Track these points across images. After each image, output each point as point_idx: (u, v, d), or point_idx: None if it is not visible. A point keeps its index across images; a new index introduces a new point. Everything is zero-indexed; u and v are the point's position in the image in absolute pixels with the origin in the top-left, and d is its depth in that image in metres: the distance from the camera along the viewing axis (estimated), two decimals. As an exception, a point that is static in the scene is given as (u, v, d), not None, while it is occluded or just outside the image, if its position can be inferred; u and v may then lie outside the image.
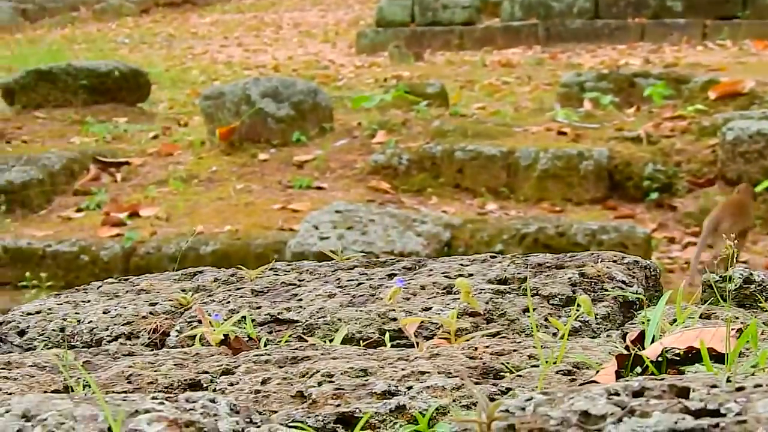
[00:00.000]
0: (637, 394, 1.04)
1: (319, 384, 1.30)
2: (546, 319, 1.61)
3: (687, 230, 5.81)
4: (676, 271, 5.03)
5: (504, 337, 1.57)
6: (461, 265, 1.89)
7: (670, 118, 7.21)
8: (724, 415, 0.95)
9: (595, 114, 7.74)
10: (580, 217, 5.83)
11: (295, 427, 1.17)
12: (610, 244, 4.96)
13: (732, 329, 1.37)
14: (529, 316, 1.62)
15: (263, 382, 1.34)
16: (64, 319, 1.81)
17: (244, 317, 1.69)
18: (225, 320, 1.64)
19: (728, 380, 1.08)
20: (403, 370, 1.35)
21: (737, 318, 1.60)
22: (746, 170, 5.88)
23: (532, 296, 1.70)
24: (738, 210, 5.13)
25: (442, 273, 1.86)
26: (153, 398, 1.13)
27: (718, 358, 1.33)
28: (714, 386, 1.05)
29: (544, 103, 8.85)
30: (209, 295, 1.87)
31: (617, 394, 1.04)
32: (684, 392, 1.03)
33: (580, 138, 6.94)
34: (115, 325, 1.76)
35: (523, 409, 1.05)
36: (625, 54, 12.03)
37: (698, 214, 5.87)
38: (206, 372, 1.40)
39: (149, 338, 1.73)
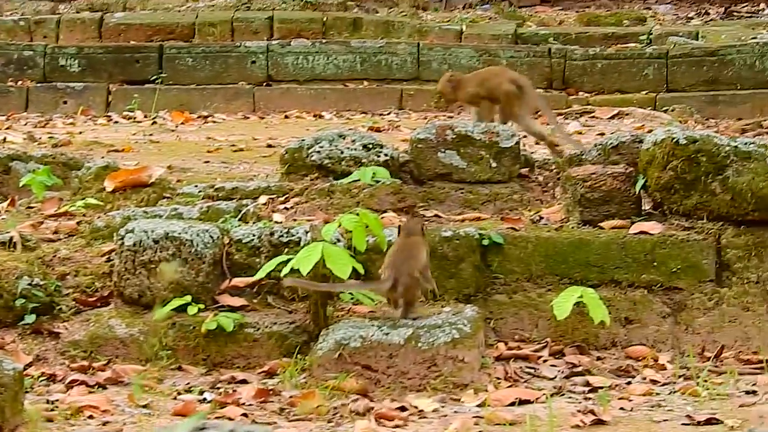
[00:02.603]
0: None
1: None
2: None
3: (73, 364, 5.95)
4: (58, 420, 5.14)
5: None
6: None
7: (55, 215, 7.38)
8: None
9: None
10: (-73, 353, 5.73)
11: None
12: (-35, 388, 4.91)
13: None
14: None
15: None
16: None
17: None
18: None
19: None
20: None
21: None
22: (152, 286, 6.17)
23: None
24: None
25: None
26: None
27: None
28: None
29: None
30: None
31: None
32: None
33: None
34: None
35: None
36: (3, 128, 12.14)
37: (87, 342, 6.06)
38: None
39: None
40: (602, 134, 10.73)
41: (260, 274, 6.03)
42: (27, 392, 5.38)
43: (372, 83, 14.68)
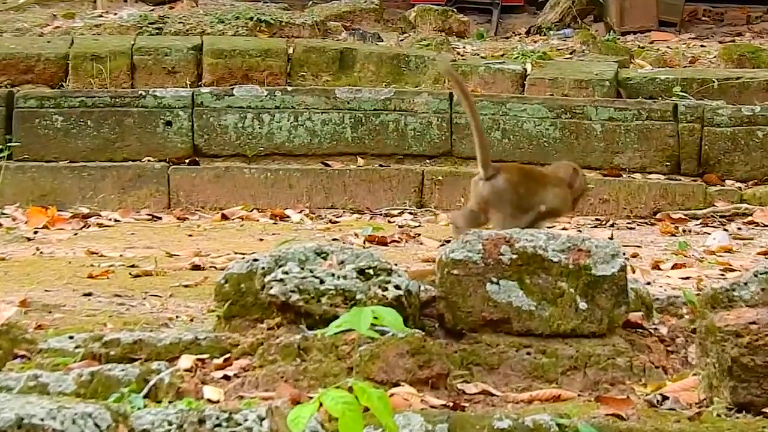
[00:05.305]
0: None
1: None
2: None
3: None
4: None
5: None
6: None
7: None
8: None
9: None
10: None
11: None
12: None
13: None
14: None
15: None
16: None
17: None
18: None
19: None
20: None
21: None
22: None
23: None
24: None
25: None
26: None
27: None
28: None
29: None
30: None
31: None
32: None
33: None
34: None
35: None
36: None
37: None
38: None
39: None
40: (767, 253, 10.81)
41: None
42: None
43: (371, 161, 14.70)
